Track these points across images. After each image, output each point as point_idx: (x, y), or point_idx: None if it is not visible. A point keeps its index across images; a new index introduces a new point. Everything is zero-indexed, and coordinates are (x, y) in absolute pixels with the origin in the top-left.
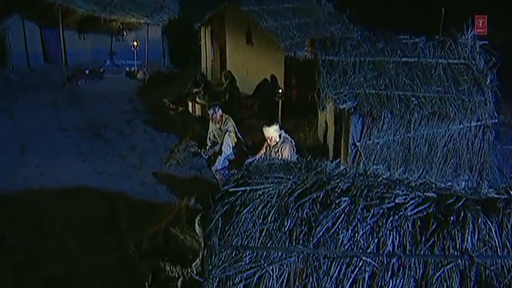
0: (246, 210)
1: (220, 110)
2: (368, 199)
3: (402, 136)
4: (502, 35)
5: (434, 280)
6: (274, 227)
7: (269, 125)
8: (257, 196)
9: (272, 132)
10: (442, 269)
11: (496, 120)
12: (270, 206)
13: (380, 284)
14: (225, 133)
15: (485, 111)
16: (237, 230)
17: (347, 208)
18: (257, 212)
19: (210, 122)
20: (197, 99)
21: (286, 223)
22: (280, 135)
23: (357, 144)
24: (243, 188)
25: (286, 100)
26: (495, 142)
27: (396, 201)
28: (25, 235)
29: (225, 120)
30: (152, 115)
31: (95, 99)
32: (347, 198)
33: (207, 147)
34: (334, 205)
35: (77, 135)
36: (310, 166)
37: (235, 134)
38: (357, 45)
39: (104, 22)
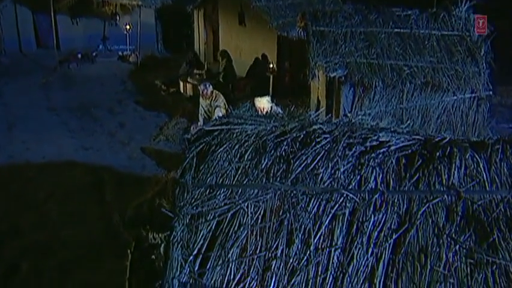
0: (221, 148)
1: (211, 86)
2: (351, 139)
3: (394, 107)
4: (501, 23)
5: (418, 215)
6: (250, 165)
7: (261, 96)
8: (234, 136)
9: (264, 102)
10: (427, 204)
11: (491, 92)
12: (248, 145)
13: (361, 220)
14: (215, 108)
15: (479, 82)
16: (212, 168)
17: (328, 146)
18: (233, 150)
19: (200, 98)
20: (188, 78)
21: (263, 161)
22: (271, 108)
23: (348, 115)
24: (220, 128)
25: (279, 80)
26: (491, 120)
27: (380, 139)
28: (7, 206)
29: (216, 96)
30: (143, 96)
31: (86, 81)
32: (328, 136)
33: (198, 123)
34: (314, 143)
35: (66, 114)
36: (293, 115)
37: (226, 109)
38: (348, 17)
39: (97, 6)
